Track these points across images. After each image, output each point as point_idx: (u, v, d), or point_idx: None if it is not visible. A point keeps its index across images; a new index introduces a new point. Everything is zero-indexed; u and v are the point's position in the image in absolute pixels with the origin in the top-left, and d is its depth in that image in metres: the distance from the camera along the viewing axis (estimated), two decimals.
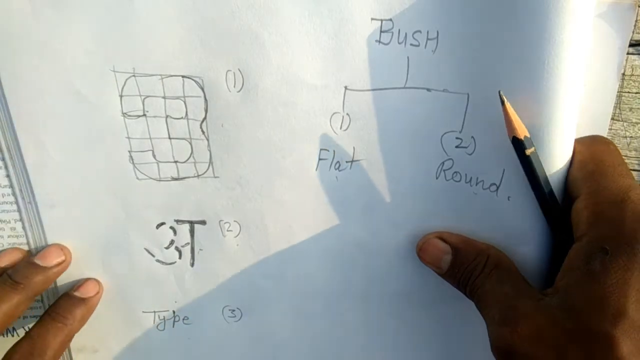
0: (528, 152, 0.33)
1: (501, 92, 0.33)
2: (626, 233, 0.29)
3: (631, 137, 0.40)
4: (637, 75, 0.38)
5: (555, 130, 0.33)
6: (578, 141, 0.35)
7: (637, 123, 0.39)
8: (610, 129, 0.39)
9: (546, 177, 0.34)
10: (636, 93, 0.39)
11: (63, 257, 0.38)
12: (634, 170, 0.41)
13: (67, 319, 0.38)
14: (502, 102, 0.33)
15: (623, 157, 0.35)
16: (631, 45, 0.37)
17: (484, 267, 0.35)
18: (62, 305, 0.38)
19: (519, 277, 0.35)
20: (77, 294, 0.39)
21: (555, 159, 0.34)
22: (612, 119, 0.39)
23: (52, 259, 0.38)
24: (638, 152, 0.40)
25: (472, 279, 0.36)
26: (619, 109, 0.39)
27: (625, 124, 0.39)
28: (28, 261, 0.37)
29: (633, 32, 0.36)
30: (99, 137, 0.36)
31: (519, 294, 0.33)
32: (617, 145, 0.40)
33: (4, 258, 0.38)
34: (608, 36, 0.36)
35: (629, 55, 0.38)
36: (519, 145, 0.33)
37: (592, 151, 0.34)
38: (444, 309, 0.41)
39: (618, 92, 0.38)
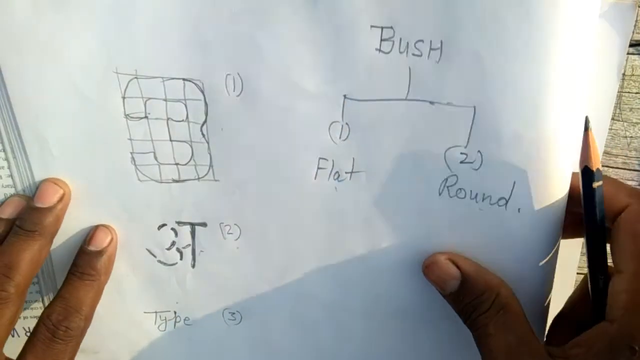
0: (595, 185, 0.33)
1: (588, 118, 0.32)
2: None
3: (631, 137, 0.40)
4: (638, 75, 0.38)
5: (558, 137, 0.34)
6: (633, 194, 0.33)
7: (637, 123, 0.39)
8: (611, 129, 0.40)
9: (603, 216, 0.33)
10: (636, 93, 0.39)
11: (62, 191, 0.37)
12: (634, 170, 0.41)
13: (92, 275, 0.37)
14: (586, 128, 0.32)
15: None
16: (631, 45, 0.37)
17: (490, 305, 0.34)
18: (82, 263, 0.37)
19: (526, 326, 0.34)
20: (91, 248, 0.38)
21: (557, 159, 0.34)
22: (613, 119, 0.39)
23: (52, 197, 0.36)
24: (638, 152, 0.40)
25: (475, 314, 0.35)
26: (619, 109, 0.39)
27: (625, 124, 0.39)
28: (31, 207, 0.36)
29: (633, 32, 0.36)
30: (101, 138, 0.36)
31: (523, 347, 0.32)
32: (617, 145, 0.40)
33: (7, 209, 0.37)
34: (608, 36, 0.36)
35: (629, 55, 0.38)
36: (588, 176, 0.33)
37: None
38: (445, 325, 0.41)
39: (618, 92, 0.38)
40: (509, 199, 0.35)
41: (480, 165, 0.35)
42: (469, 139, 0.35)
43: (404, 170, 0.36)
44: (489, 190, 0.36)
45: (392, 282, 0.40)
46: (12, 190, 0.38)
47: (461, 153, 0.35)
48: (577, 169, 0.34)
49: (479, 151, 0.35)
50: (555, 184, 0.35)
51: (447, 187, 0.36)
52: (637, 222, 0.31)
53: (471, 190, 0.36)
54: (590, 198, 0.33)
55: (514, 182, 0.35)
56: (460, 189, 0.36)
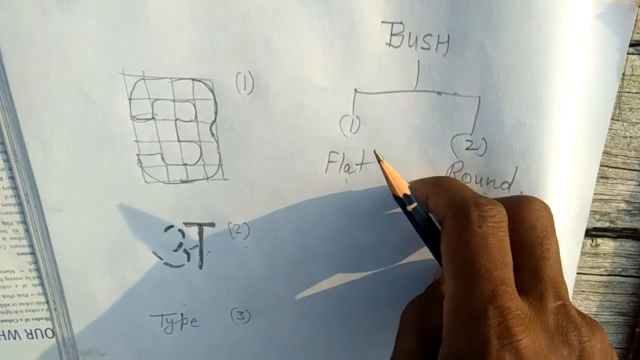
0: (409, 208, 0.33)
1: (377, 151, 0.33)
2: (474, 359, 0.27)
3: (631, 137, 0.40)
4: (637, 75, 0.38)
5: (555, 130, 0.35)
6: (450, 205, 0.32)
7: (637, 123, 0.40)
8: (610, 129, 0.40)
9: (435, 228, 0.34)
10: (636, 93, 0.39)
11: None
12: (634, 170, 0.41)
13: None
14: (379, 161, 0.33)
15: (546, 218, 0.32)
16: (631, 45, 0.37)
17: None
18: None
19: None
20: None
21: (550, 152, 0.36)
22: (612, 118, 0.39)
23: None
24: (638, 152, 0.41)
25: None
26: (619, 109, 0.39)
27: (625, 124, 0.40)
28: None
29: (633, 32, 0.37)
30: (107, 140, 0.36)
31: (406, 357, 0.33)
32: (617, 145, 0.40)
33: None
34: (608, 36, 0.36)
35: (629, 55, 0.38)
36: (400, 202, 0.34)
37: (460, 238, 0.30)
38: None
39: (618, 92, 0.39)
40: (511, 183, 0.37)
41: (485, 151, 0.37)
42: (474, 127, 0.36)
43: (412, 158, 0.37)
44: (493, 174, 0.37)
45: (400, 269, 0.41)
46: (13, 192, 0.38)
47: (467, 140, 0.37)
48: (574, 152, 0.37)
49: (483, 138, 0.36)
50: (555, 168, 0.37)
51: (454, 172, 0.38)
52: (450, 237, 0.31)
53: (476, 175, 0.38)
54: (413, 220, 0.34)
55: (517, 167, 0.37)
56: (465, 173, 0.38)
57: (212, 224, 0.39)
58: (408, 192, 0.33)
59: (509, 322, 0.27)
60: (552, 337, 0.28)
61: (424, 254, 0.40)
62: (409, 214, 0.34)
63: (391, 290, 0.41)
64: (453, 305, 0.29)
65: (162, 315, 0.42)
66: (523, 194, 0.37)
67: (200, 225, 0.39)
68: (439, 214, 0.32)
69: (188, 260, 0.40)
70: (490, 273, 0.28)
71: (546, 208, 0.32)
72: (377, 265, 0.41)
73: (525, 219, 0.31)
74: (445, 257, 0.31)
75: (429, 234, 0.34)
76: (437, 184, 0.35)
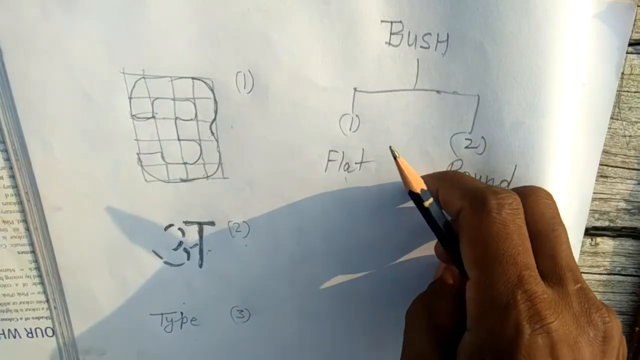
0: (426, 204, 0.33)
1: (392, 147, 0.33)
2: (506, 346, 0.27)
3: (630, 136, 0.40)
4: (636, 75, 0.39)
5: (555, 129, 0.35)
6: (465, 195, 0.32)
7: (636, 122, 0.40)
8: (610, 128, 0.40)
9: (449, 226, 0.33)
10: (635, 92, 0.39)
11: None
12: (633, 169, 0.41)
13: None
14: (395, 157, 0.33)
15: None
16: (630, 44, 0.37)
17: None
18: None
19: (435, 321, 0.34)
20: None
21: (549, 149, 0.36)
22: (612, 117, 0.39)
23: None
24: (637, 151, 0.41)
25: None
26: (618, 107, 0.39)
27: (624, 123, 0.40)
28: None
29: (632, 32, 0.37)
30: (107, 139, 0.36)
31: (422, 356, 0.33)
32: (616, 144, 0.41)
33: None
34: (607, 35, 0.36)
35: (628, 55, 0.38)
36: (416, 199, 0.33)
37: (481, 226, 0.30)
38: None
39: (617, 91, 0.39)
40: (510, 181, 0.37)
41: (484, 150, 0.37)
42: (473, 125, 0.36)
43: (412, 157, 0.37)
44: (492, 173, 0.38)
45: (402, 269, 0.41)
46: (13, 191, 0.38)
47: (466, 139, 0.37)
48: (574, 151, 0.36)
49: (482, 137, 0.37)
50: (554, 167, 0.37)
51: None
52: (469, 227, 0.31)
53: (475, 173, 0.38)
54: (429, 216, 0.34)
55: (515, 166, 0.37)
56: (465, 172, 0.38)
57: (212, 223, 0.39)
58: (425, 187, 0.33)
59: (538, 306, 0.27)
60: (578, 319, 0.28)
61: (424, 251, 0.40)
62: (424, 210, 0.33)
63: (391, 288, 0.41)
64: (477, 294, 0.29)
65: (162, 314, 0.42)
66: None
67: (200, 224, 0.39)
68: (453, 205, 0.32)
69: (188, 259, 0.40)
70: (514, 258, 0.29)
71: (551, 197, 0.33)
72: (377, 264, 0.41)
73: (534, 208, 0.32)
74: (466, 247, 0.31)
75: (443, 229, 0.33)
76: (445, 177, 0.35)
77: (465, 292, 0.30)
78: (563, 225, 0.32)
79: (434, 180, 0.35)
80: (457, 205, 0.32)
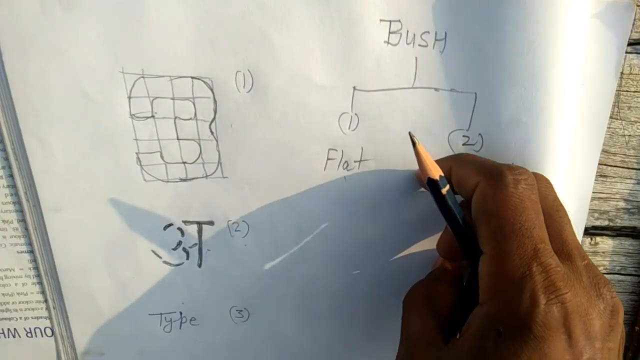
0: (444, 191, 0.33)
1: (411, 133, 0.33)
2: (521, 316, 0.28)
3: (630, 135, 0.40)
4: (636, 74, 0.39)
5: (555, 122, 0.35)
6: (480, 171, 0.32)
7: (635, 122, 0.40)
8: (609, 128, 0.40)
9: (463, 214, 0.33)
10: (634, 92, 0.39)
11: None
12: (633, 168, 0.41)
13: None
14: (414, 144, 0.33)
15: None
16: (629, 44, 0.37)
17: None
18: None
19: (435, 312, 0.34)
20: None
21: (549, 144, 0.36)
22: (611, 117, 0.39)
23: None
24: (636, 150, 0.41)
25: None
26: (618, 107, 0.39)
27: (623, 122, 0.40)
28: None
29: (631, 31, 0.37)
30: (106, 138, 0.36)
31: (423, 337, 0.33)
32: (615, 143, 0.41)
33: None
34: (606, 35, 0.37)
35: (628, 54, 0.38)
36: (434, 185, 0.33)
37: (498, 200, 0.31)
38: None
39: (617, 90, 0.39)
40: None
41: (481, 147, 0.37)
42: (470, 122, 0.37)
43: (411, 154, 0.37)
44: None
45: (400, 265, 0.41)
46: (12, 191, 0.38)
47: (463, 136, 0.37)
48: (573, 151, 0.37)
49: (479, 134, 0.37)
50: (553, 166, 0.37)
51: None
52: (486, 200, 0.31)
53: None
54: (445, 204, 0.33)
55: (512, 163, 0.37)
56: None
57: (211, 222, 0.39)
58: (442, 173, 0.33)
59: (553, 277, 0.28)
60: (589, 292, 0.29)
61: (424, 249, 0.40)
62: (440, 197, 0.33)
63: (391, 286, 0.41)
64: (492, 267, 0.30)
65: (161, 314, 0.42)
66: None
67: (199, 223, 0.39)
68: (468, 182, 0.33)
69: (187, 258, 0.40)
70: (530, 232, 0.29)
71: (549, 181, 0.34)
72: (376, 262, 0.41)
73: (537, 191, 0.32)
74: (482, 221, 0.31)
75: (458, 216, 0.33)
76: (458, 158, 0.35)
77: (479, 267, 0.31)
78: (564, 208, 0.33)
79: (447, 160, 0.35)
80: (472, 180, 0.32)
